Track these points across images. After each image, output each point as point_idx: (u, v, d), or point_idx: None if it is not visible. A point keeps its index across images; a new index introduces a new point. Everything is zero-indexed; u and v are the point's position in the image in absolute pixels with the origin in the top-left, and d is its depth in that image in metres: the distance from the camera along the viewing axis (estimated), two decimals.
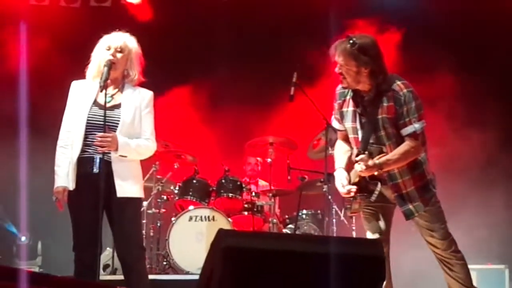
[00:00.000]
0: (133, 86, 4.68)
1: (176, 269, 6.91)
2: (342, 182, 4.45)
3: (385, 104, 4.35)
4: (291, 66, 6.51)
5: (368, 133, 4.40)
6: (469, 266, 4.59)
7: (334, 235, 7.12)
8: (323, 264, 2.89)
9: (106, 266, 6.84)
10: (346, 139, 4.65)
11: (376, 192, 4.44)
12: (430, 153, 4.59)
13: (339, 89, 4.58)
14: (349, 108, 4.51)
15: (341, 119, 4.58)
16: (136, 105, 4.61)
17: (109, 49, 4.59)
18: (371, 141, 4.40)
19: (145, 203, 7.21)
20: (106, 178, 4.41)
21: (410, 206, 4.42)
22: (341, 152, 4.65)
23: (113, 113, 4.53)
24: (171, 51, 8.63)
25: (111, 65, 4.52)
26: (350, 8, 8.22)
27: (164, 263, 7.14)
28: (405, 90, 4.33)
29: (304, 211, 7.62)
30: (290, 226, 7.48)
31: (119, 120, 4.53)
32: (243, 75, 8.51)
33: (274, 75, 8.08)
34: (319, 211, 7.61)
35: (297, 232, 7.20)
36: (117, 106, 4.57)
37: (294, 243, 3.10)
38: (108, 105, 4.48)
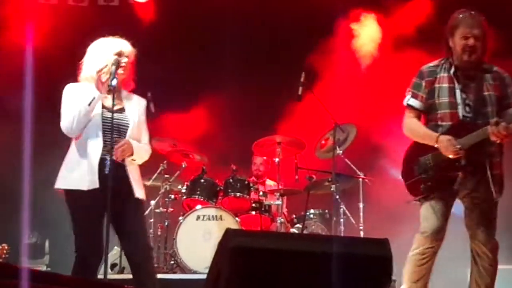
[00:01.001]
0: (128, 92, 4.71)
1: (183, 268, 6.90)
2: (452, 142, 4.35)
3: (491, 82, 4.43)
4: (299, 66, 6.50)
5: (478, 107, 4.39)
6: None
7: (342, 235, 7.11)
8: (331, 264, 2.89)
9: (113, 265, 6.85)
10: (419, 118, 4.62)
11: (459, 180, 4.39)
12: None
13: (427, 67, 4.58)
14: (444, 85, 4.49)
15: (430, 96, 4.53)
16: (136, 110, 4.66)
17: (121, 55, 4.58)
18: None
19: (152, 202, 7.22)
20: (121, 180, 4.42)
21: (492, 188, 4.39)
22: (423, 126, 4.60)
23: (122, 115, 4.54)
24: (178, 50, 8.63)
25: (118, 67, 4.51)
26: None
27: (172, 262, 7.14)
28: (506, 74, 4.48)
29: (312, 211, 7.61)
30: (297, 225, 7.48)
31: (128, 123, 4.55)
32: (251, 74, 8.50)
33: (282, 74, 8.06)
34: (326, 211, 7.61)
35: (304, 232, 7.19)
36: (122, 109, 4.59)
37: (302, 243, 3.10)
38: (114, 108, 4.47)
